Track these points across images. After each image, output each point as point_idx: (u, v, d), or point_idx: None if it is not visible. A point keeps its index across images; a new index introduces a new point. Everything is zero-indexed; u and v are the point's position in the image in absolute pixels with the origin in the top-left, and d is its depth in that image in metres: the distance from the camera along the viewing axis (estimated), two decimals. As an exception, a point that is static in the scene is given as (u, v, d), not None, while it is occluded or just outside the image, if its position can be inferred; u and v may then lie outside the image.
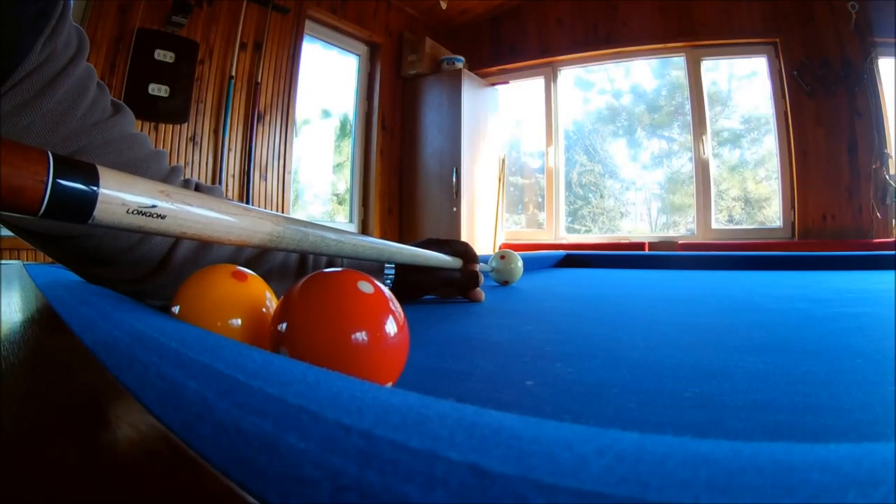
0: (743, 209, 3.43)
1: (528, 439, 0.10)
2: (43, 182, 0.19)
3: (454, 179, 3.38)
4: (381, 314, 0.26)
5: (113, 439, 0.13)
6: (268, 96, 2.84)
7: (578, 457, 0.09)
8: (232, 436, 0.11)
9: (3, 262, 0.81)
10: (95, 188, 0.21)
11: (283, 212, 2.90)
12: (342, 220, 3.51)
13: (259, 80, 2.76)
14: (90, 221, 0.21)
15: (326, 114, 3.50)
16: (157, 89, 2.34)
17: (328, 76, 3.43)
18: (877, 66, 2.88)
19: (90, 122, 0.39)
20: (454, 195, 3.38)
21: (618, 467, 0.09)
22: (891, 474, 0.08)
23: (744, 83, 3.40)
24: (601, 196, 3.84)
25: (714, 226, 3.35)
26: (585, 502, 0.08)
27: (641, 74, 3.72)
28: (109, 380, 0.16)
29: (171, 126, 2.42)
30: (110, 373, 0.16)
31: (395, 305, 0.27)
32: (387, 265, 0.67)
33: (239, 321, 0.29)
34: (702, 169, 3.35)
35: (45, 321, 0.29)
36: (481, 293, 0.76)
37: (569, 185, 3.83)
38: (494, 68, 3.87)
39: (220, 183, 2.59)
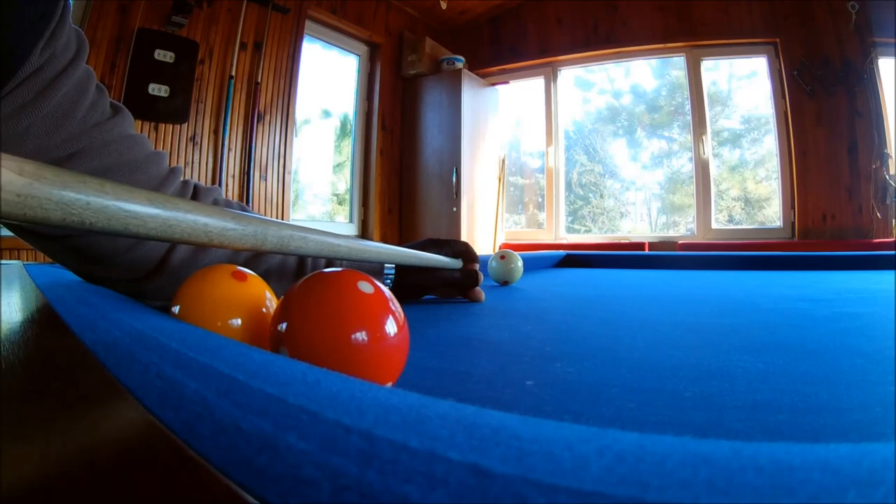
0: (743, 209, 3.43)
1: (528, 439, 0.10)
2: None
3: (454, 179, 3.38)
4: (381, 314, 0.26)
5: (113, 439, 0.12)
6: (268, 96, 2.84)
7: (578, 457, 0.09)
8: (232, 436, 0.11)
9: (3, 262, 0.81)
10: None
11: (282, 212, 2.90)
12: (342, 220, 3.51)
13: (259, 80, 2.76)
14: None
15: (326, 114, 3.50)
16: (157, 89, 2.34)
17: (328, 76, 3.43)
18: (877, 66, 2.88)
19: (90, 124, 0.39)
20: (454, 195, 3.38)
21: (618, 467, 0.09)
22: (891, 474, 0.08)
23: (744, 83, 3.41)
24: (601, 196, 3.84)
25: (714, 226, 3.35)
26: (585, 502, 0.08)
27: (641, 74, 3.72)
28: (109, 380, 0.16)
29: (171, 126, 2.42)
30: (110, 373, 0.16)
31: (395, 305, 0.27)
32: (387, 266, 0.67)
33: (239, 321, 0.29)
34: (702, 169, 3.36)
35: (45, 321, 0.29)
36: (481, 293, 0.75)
37: (569, 185, 3.83)
38: (494, 68, 3.87)
39: (220, 183, 2.59)
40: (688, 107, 3.42)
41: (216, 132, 2.60)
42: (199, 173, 2.53)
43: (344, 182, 3.58)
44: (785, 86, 3.06)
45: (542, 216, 3.86)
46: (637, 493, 0.08)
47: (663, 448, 0.10)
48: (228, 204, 0.52)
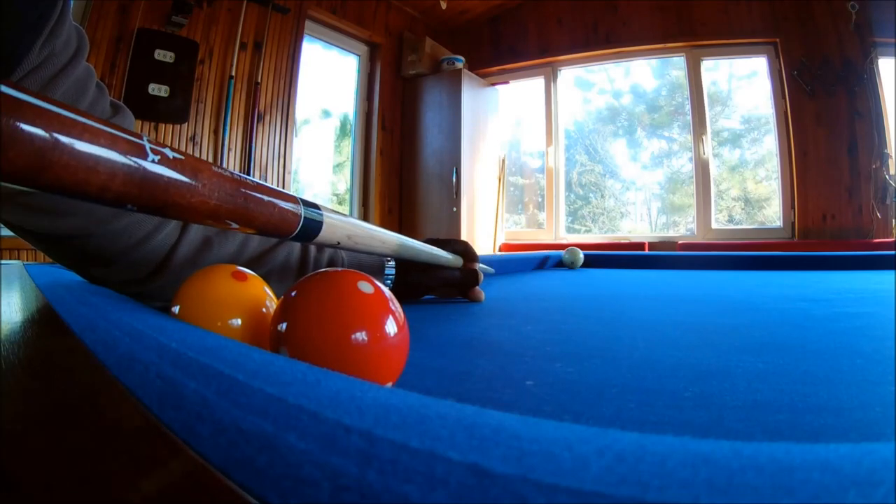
0: (743, 209, 3.43)
1: (528, 439, 0.10)
2: (298, 215, 0.29)
3: (454, 179, 3.38)
4: (381, 314, 0.26)
5: (113, 439, 0.12)
6: (268, 96, 2.84)
7: (578, 457, 0.09)
8: (232, 436, 0.11)
9: (3, 262, 0.81)
10: (320, 218, 0.31)
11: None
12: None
13: (259, 80, 2.76)
14: (315, 240, 0.32)
15: (326, 114, 3.50)
16: (157, 89, 2.34)
17: (328, 76, 3.43)
18: (877, 66, 2.88)
19: None
20: (454, 195, 3.38)
21: (618, 467, 0.09)
22: (891, 474, 0.08)
23: (744, 83, 3.40)
24: (601, 196, 3.84)
25: (714, 226, 3.35)
26: (585, 502, 0.08)
27: (641, 74, 3.72)
28: (109, 380, 0.16)
29: (171, 126, 2.42)
30: (110, 373, 0.16)
31: (395, 305, 0.27)
32: (387, 265, 0.67)
33: (239, 321, 0.29)
34: (702, 169, 3.36)
35: (45, 321, 0.29)
36: (481, 293, 0.75)
37: (569, 185, 3.83)
38: (494, 68, 3.87)
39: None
40: (688, 107, 3.42)
41: (216, 132, 2.60)
42: (199, 173, 2.53)
43: (344, 182, 3.58)
44: (785, 86, 3.06)
45: (542, 216, 3.86)
46: (637, 493, 0.08)
47: (663, 448, 0.10)
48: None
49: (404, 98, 3.69)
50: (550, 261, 1.67)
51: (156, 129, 2.37)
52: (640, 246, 3.29)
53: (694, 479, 0.08)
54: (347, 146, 3.57)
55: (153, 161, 0.19)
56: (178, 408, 0.13)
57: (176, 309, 0.30)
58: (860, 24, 2.88)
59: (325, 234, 0.32)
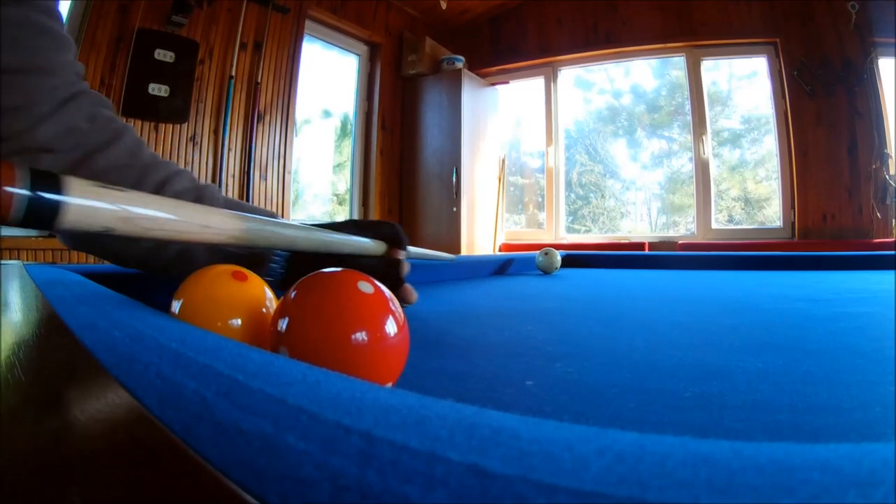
0: (743, 209, 3.43)
1: (528, 439, 0.10)
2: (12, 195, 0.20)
3: (454, 179, 3.38)
4: (381, 314, 0.26)
5: (112, 440, 0.12)
6: (268, 96, 2.84)
7: (578, 457, 0.09)
8: (232, 436, 0.11)
9: (3, 262, 0.81)
10: (59, 198, 0.22)
11: (283, 212, 2.90)
12: (342, 220, 3.51)
13: (259, 80, 2.76)
14: (56, 227, 0.22)
15: (326, 114, 3.50)
16: (157, 89, 2.34)
17: (328, 76, 3.43)
18: (877, 66, 2.88)
19: None
20: (454, 195, 3.38)
21: (618, 467, 0.09)
22: (891, 474, 0.08)
23: (744, 83, 3.40)
24: (601, 196, 3.84)
25: (714, 226, 3.35)
26: (585, 502, 0.08)
27: (641, 74, 3.72)
28: (109, 379, 0.16)
29: (171, 126, 2.42)
30: (110, 373, 0.16)
31: (395, 305, 0.27)
32: (277, 252, 0.53)
33: (239, 321, 0.29)
34: (702, 169, 3.35)
35: (45, 321, 0.29)
36: (411, 292, 0.56)
37: (569, 185, 3.83)
38: (494, 68, 3.87)
39: (219, 183, 2.59)
40: (688, 107, 3.42)
41: (216, 132, 2.60)
42: (199, 173, 2.53)
43: (344, 182, 3.58)
44: (785, 86, 3.06)
45: (542, 216, 3.86)
46: (637, 493, 0.08)
47: (663, 448, 0.10)
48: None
49: (404, 98, 3.68)
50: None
51: (156, 129, 2.37)
52: (640, 246, 3.29)
53: (694, 479, 0.08)
54: (347, 146, 3.57)
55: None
56: (178, 408, 0.13)
57: (176, 308, 0.30)
58: (860, 24, 2.88)
59: (73, 218, 0.23)
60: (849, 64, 2.90)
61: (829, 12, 2.95)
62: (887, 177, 2.83)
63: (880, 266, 1.35)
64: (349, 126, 3.57)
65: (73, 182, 0.23)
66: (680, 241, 3.31)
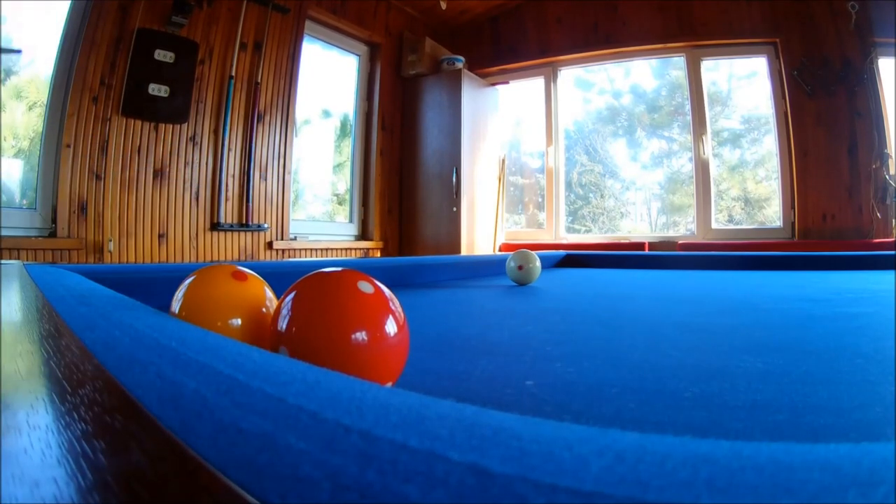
0: (743, 209, 3.43)
1: (528, 439, 0.10)
2: None
3: (454, 179, 3.38)
4: (381, 314, 0.26)
5: (112, 439, 0.12)
6: (268, 96, 2.84)
7: (578, 457, 0.09)
8: (231, 435, 0.11)
9: (3, 262, 0.81)
10: None
11: (283, 212, 2.90)
12: (342, 220, 3.51)
13: (259, 80, 2.76)
14: None
15: (326, 114, 3.50)
16: (157, 89, 2.34)
17: (328, 76, 3.43)
18: (877, 66, 2.88)
19: None
20: (454, 195, 3.38)
21: (618, 467, 0.09)
22: (891, 474, 0.08)
23: (744, 83, 3.40)
24: (601, 196, 3.84)
25: (714, 226, 3.34)
26: (585, 502, 0.08)
27: (641, 74, 3.72)
28: (108, 379, 0.16)
29: (171, 126, 2.42)
30: (110, 373, 0.16)
31: (395, 305, 0.27)
32: None
33: (239, 321, 0.29)
34: (702, 169, 3.35)
35: (45, 321, 0.29)
36: None
37: (569, 185, 3.83)
38: (494, 68, 3.86)
39: (219, 183, 2.59)
40: (688, 107, 3.42)
41: (216, 132, 2.60)
42: (199, 173, 2.53)
43: (344, 182, 3.58)
44: (785, 86, 3.06)
45: (542, 216, 3.86)
46: (637, 493, 0.08)
47: (663, 448, 0.10)
48: None
49: (404, 98, 3.68)
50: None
51: (156, 129, 2.37)
52: (640, 246, 3.29)
53: (694, 479, 0.08)
54: (347, 146, 3.57)
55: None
56: (178, 407, 0.13)
57: (176, 308, 0.30)
58: (860, 24, 2.87)
59: None
60: (849, 64, 2.90)
61: (829, 12, 2.95)
62: (887, 177, 2.83)
63: (880, 266, 1.35)
64: (349, 126, 3.57)
65: None
66: (680, 241, 3.31)
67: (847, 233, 2.91)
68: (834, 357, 0.38)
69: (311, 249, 3.02)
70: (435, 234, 3.45)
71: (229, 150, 2.64)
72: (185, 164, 2.47)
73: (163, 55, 2.35)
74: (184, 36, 2.43)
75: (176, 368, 0.16)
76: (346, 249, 3.31)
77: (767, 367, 0.34)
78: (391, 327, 0.25)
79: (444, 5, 3.44)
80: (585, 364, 0.36)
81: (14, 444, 0.12)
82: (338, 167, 3.60)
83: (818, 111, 2.98)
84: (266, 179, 2.82)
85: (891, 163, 2.84)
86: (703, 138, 3.34)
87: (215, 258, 2.52)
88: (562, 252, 1.85)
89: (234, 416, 0.12)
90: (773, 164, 3.24)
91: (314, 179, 3.44)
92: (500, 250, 3.72)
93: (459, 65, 3.54)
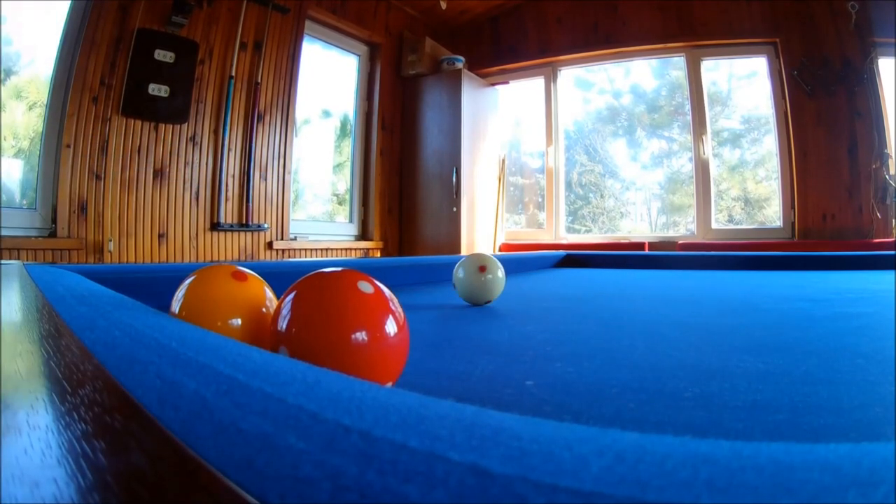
0: (743, 209, 3.43)
1: (528, 439, 0.10)
2: None
3: (454, 179, 3.38)
4: (381, 314, 0.26)
5: (112, 439, 0.12)
6: (268, 96, 2.84)
7: (578, 457, 0.09)
8: (231, 436, 0.11)
9: (3, 262, 0.81)
10: None
11: (283, 212, 2.90)
12: (342, 220, 3.51)
13: (259, 80, 2.76)
14: None
15: (326, 114, 3.50)
16: (157, 89, 2.34)
17: (328, 76, 3.43)
18: (877, 66, 2.88)
19: None
20: (454, 195, 3.38)
21: (618, 467, 0.09)
22: (891, 474, 0.08)
23: (744, 83, 3.40)
24: (601, 196, 3.84)
25: (714, 226, 3.34)
26: (585, 502, 0.08)
27: (641, 74, 3.72)
28: (108, 379, 0.16)
29: (171, 126, 2.42)
30: (109, 373, 0.16)
31: (395, 305, 0.27)
32: None
33: (239, 321, 0.29)
34: (702, 169, 3.35)
35: (45, 321, 0.29)
36: None
37: (569, 185, 3.83)
38: (494, 68, 3.86)
39: (219, 183, 2.59)
40: (688, 107, 3.42)
41: (216, 132, 2.60)
42: (199, 173, 2.53)
43: (344, 182, 3.58)
44: (785, 86, 3.06)
45: (542, 216, 3.86)
46: (637, 493, 0.08)
47: (663, 448, 0.10)
48: None
49: (404, 98, 3.68)
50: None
51: (156, 129, 2.37)
52: (640, 246, 3.29)
53: (694, 479, 0.08)
54: (347, 146, 3.57)
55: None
56: (177, 407, 0.13)
57: (176, 308, 0.30)
58: (860, 24, 2.87)
59: None
60: (849, 64, 2.90)
61: (829, 12, 2.95)
62: (887, 177, 2.83)
63: (880, 266, 1.35)
64: (349, 126, 3.57)
65: None
66: (680, 241, 3.31)
67: (847, 233, 2.91)
68: (834, 357, 0.38)
69: (311, 249, 3.02)
70: (435, 234, 3.45)
71: (229, 150, 2.65)
72: (185, 164, 2.47)
73: (163, 55, 2.35)
74: (184, 36, 2.43)
75: (176, 368, 0.16)
76: (346, 249, 3.31)
77: (767, 367, 0.34)
78: (391, 327, 0.25)
79: (444, 5, 3.44)
80: (585, 364, 0.36)
81: (14, 444, 0.12)
82: (338, 167, 3.60)
83: (818, 111, 2.98)
84: (266, 179, 2.82)
85: (891, 163, 2.84)
86: (703, 138, 3.34)
87: (215, 258, 2.52)
88: (562, 252, 1.85)
89: (234, 416, 0.12)
90: (773, 164, 3.23)
91: (314, 179, 3.44)
92: (500, 250, 3.72)
93: (459, 65, 3.54)
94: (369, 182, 3.50)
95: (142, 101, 2.29)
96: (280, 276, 0.55)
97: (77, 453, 0.11)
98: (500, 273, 0.72)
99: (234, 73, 2.65)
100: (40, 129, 2.10)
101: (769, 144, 3.28)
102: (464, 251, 3.35)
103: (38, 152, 2.09)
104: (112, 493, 0.10)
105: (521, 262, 1.52)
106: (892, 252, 1.42)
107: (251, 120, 2.74)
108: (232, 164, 2.66)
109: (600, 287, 1.05)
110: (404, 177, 3.67)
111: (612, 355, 0.40)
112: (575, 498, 0.08)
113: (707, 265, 1.53)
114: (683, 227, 3.53)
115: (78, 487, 0.10)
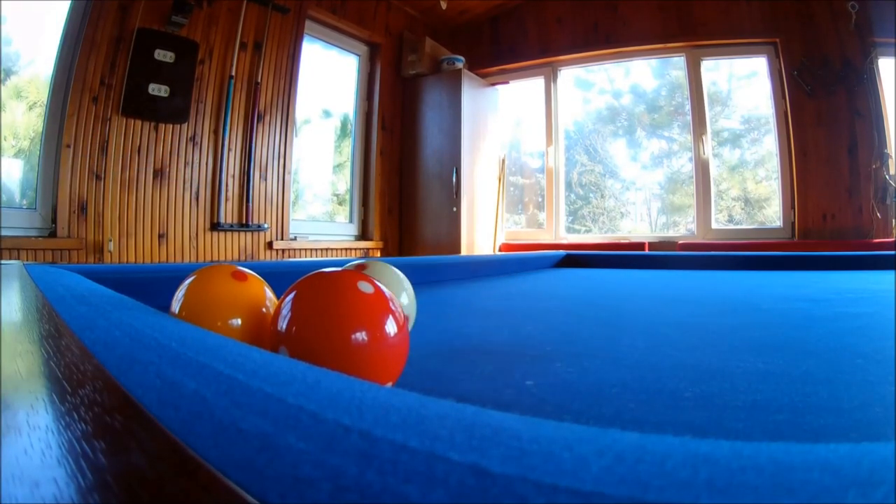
0: (743, 209, 3.43)
1: (528, 439, 0.10)
2: None
3: (454, 179, 3.38)
4: (381, 314, 0.26)
5: (112, 439, 0.12)
6: (268, 96, 2.84)
7: (578, 457, 0.09)
8: (231, 435, 0.11)
9: (3, 262, 0.81)
10: None
11: (283, 212, 2.90)
12: (342, 220, 3.51)
13: (259, 80, 2.76)
14: None
15: (326, 114, 3.50)
16: (157, 89, 2.34)
17: (328, 76, 3.43)
18: (877, 66, 2.88)
19: None
20: (454, 195, 3.38)
21: (618, 467, 0.09)
22: (891, 474, 0.08)
23: (744, 83, 3.40)
24: (601, 196, 3.83)
25: (714, 226, 3.34)
26: (585, 502, 0.08)
27: (641, 74, 3.72)
28: (108, 379, 0.16)
29: (171, 126, 2.42)
30: (109, 373, 0.16)
31: (395, 305, 0.27)
32: None
33: (239, 321, 0.29)
34: (702, 169, 3.35)
35: (45, 321, 0.29)
36: None
37: (569, 185, 3.83)
38: (494, 68, 3.86)
39: (220, 183, 2.59)
40: (688, 107, 3.42)
41: (216, 132, 2.60)
42: (199, 173, 2.53)
43: (344, 182, 3.58)
44: (785, 86, 3.06)
45: (542, 216, 3.86)
46: (637, 493, 0.08)
47: (663, 448, 0.10)
48: None
49: (404, 98, 3.68)
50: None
51: (156, 129, 2.37)
52: (640, 246, 3.29)
53: (694, 479, 0.08)
54: (347, 146, 3.57)
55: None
56: (177, 407, 0.13)
57: (176, 308, 0.30)
58: (860, 24, 2.87)
59: None
60: (849, 64, 2.90)
61: (829, 12, 2.95)
62: (887, 177, 2.83)
63: (880, 266, 1.35)
64: (349, 126, 3.57)
65: None
66: (680, 241, 3.31)
67: (847, 233, 2.91)
68: (834, 357, 0.38)
69: (311, 249, 3.02)
70: (435, 234, 3.45)
71: (229, 150, 2.65)
72: (185, 164, 2.47)
73: (163, 55, 2.35)
74: (184, 36, 2.43)
75: (176, 368, 0.16)
76: (346, 249, 3.31)
77: (767, 367, 0.34)
78: (391, 327, 0.25)
79: (444, 5, 3.44)
80: (585, 364, 0.36)
81: (14, 444, 0.12)
82: (338, 167, 3.60)
83: (818, 111, 2.98)
84: (266, 179, 2.82)
85: (891, 163, 2.84)
86: (703, 138, 3.34)
87: (215, 258, 2.52)
88: (562, 252, 1.85)
89: (234, 416, 0.12)
90: (773, 164, 3.23)
91: (314, 179, 3.44)
92: (500, 250, 3.72)
93: (459, 65, 3.54)
94: (369, 182, 3.50)
95: (142, 101, 2.29)
96: (280, 276, 0.55)
97: (77, 453, 0.11)
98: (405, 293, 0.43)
99: (234, 73, 2.65)
100: (40, 129, 2.10)
101: (769, 144, 3.28)
102: (464, 251, 3.35)
103: (38, 152, 2.09)
104: (112, 493, 0.10)
105: (521, 262, 1.52)
106: (892, 252, 1.42)
107: (251, 120, 2.74)
108: (232, 164, 2.66)
109: (600, 287, 1.05)
110: (404, 177, 3.67)
111: (612, 355, 0.40)
112: (575, 498, 0.08)
113: (707, 265, 1.53)
114: (683, 227, 3.53)
115: (78, 487, 0.10)
